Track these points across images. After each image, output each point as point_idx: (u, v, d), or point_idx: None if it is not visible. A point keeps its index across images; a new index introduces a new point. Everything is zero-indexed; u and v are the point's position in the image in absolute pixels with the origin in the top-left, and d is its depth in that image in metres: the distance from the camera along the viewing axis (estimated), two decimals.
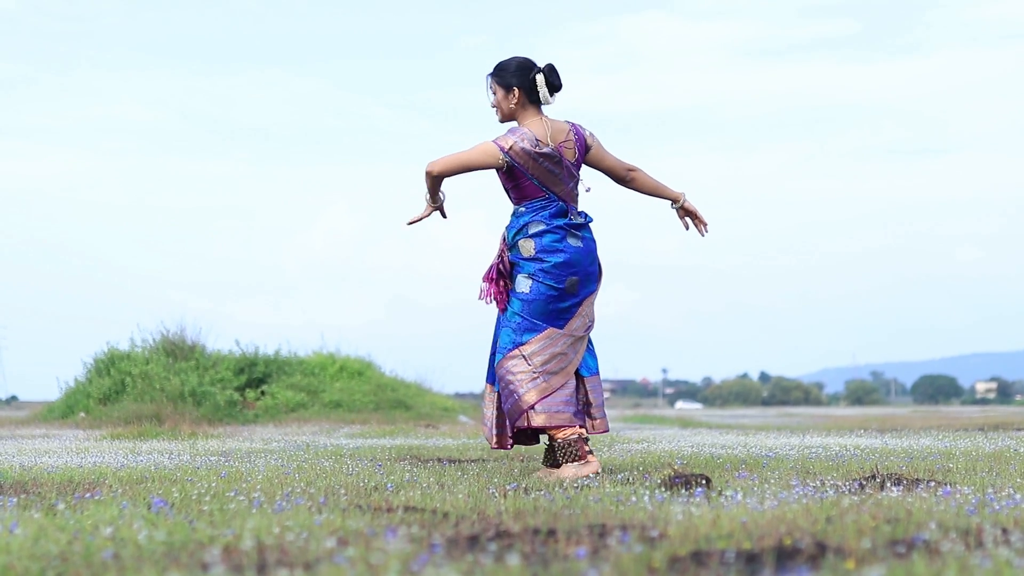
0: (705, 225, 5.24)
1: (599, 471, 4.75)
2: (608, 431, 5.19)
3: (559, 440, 4.84)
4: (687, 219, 5.24)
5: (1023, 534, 2.44)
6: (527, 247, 4.98)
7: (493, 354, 5.12)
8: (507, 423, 5.05)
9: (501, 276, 5.02)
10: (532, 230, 4.99)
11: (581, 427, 4.88)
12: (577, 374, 5.02)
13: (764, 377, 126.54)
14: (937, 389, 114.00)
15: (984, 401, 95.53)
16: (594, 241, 5.07)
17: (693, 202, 5.21)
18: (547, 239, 4.98)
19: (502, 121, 5.13)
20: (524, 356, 4.92)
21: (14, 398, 56.76)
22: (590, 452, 4.81)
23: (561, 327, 4.95)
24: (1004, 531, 2.49)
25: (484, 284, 5.06)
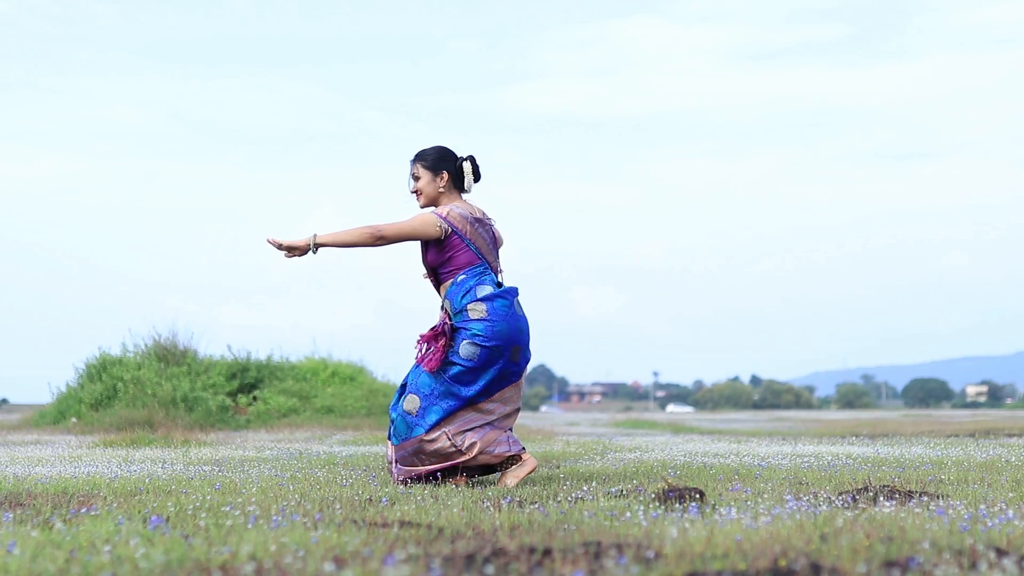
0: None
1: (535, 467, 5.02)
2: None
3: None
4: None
5: (1017, 556, 2.45)
6: (478, 309, 4.93)
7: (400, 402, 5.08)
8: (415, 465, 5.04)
9: (442, 336, 4.97)
10: (480, 293, 4.98)
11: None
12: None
13: (755, 380, 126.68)
14: (928, 393, 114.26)
15: (975, 405, 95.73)
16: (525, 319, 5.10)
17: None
18: (498, 303, 4.97)
19: (423, 207, 5.14)
20: (447, 433, 4.94)
21: (4, 401, 56.68)
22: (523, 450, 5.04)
23: (485, 403, 4.98)
24: (998, 552, 2.51)
25: (422, 341, 5.01)
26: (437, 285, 5.13)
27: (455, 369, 4.92)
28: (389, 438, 5.11)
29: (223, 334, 33.13)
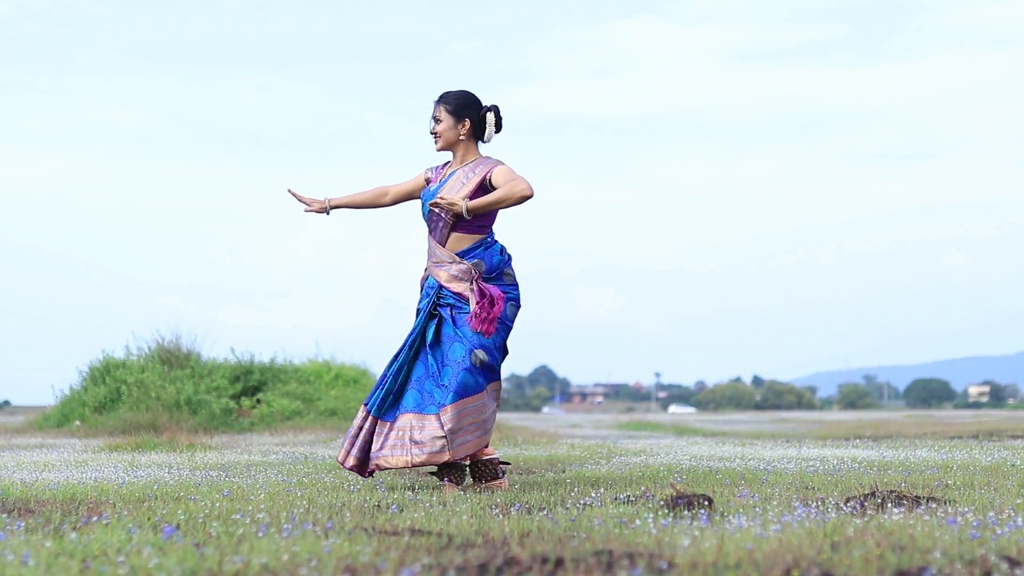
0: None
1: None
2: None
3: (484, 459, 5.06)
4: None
5: None
6: (510, 273, 5.05)
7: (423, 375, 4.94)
8: (370, 451, 4.95)
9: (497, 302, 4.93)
10: (506, 255, 5.08)
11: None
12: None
13: (757, 381, 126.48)
14: (930, 393, 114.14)
15: (977, 405, 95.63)
16: None
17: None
18: (512, 269, 5.10)
19: (440, 149, 5.11)
20: (495, 392, 4.98)
21: (7, 403, 56.72)
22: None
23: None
24: (1010, 562, 2.51)
25: (479, 311, 4.84)
26: (439, 233, 4.99)
27: (502, 327, 4.95)
28: (428, 407, 4.84)
29: (225, 336, 33.25)
